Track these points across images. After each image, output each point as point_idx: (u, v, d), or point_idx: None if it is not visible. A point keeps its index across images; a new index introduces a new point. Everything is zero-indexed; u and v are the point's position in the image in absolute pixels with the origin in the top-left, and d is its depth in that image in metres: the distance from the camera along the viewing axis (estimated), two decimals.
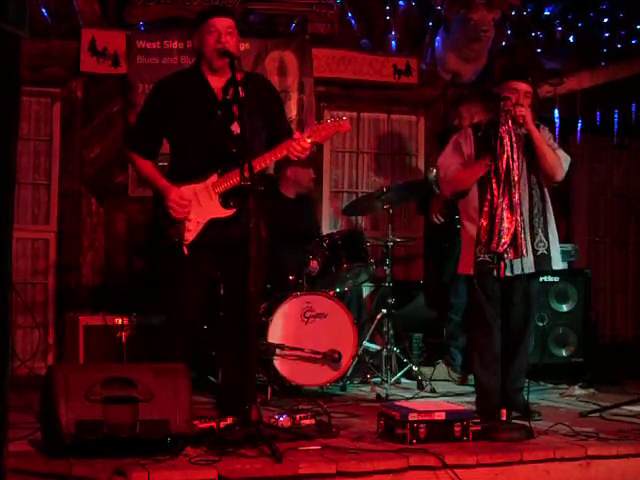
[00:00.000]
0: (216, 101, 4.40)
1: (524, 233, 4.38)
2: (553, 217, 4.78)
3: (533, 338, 5.09)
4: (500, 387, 4.34)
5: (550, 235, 4.72)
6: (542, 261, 4.69)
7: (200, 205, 4.35)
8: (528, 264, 4.58)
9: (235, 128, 4.33)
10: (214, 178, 4.35)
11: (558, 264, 4.80)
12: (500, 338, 4.55)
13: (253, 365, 4.06)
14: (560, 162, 4.73)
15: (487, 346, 4.67)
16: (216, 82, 4.42)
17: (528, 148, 4.64)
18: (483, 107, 4.81)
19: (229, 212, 4.37)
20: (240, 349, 4.44)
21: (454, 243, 6.37)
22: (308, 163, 6.01)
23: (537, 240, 4.68)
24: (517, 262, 4.48)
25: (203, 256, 4.37)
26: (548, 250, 4.69)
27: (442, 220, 6.50)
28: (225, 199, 4.36)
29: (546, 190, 4.76)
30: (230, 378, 4.52)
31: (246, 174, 4.03)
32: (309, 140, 4.37)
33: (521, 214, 4.32)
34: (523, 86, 4.66)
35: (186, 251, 4.32)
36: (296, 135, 4.41)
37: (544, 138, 4.71)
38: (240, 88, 4.28)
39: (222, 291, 4.56)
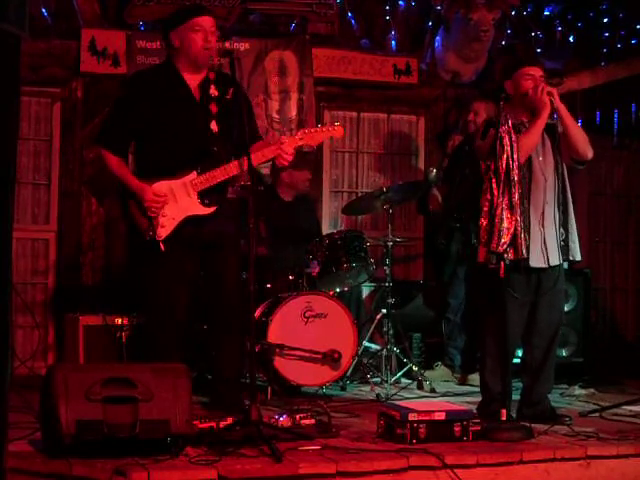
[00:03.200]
0: (193, 99, 4.44)
1: (523, 233, 4.36)
2: (572, 206, 4.74)
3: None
4: (502, 387, 4.33)
5: (570, 225, 4.69)
6: (563, 253, 4.65)
7: (176, 202, 4.36)
8: (555, 254, 4.59)
9: (213, 126, 4.37)
10: (193, 176, 4.37)
11: (578, 255, 4.71)
12: (513, 339, 4.56)
13: (252, 363, 4.07)
14: (588, 140, 4.69)
15: (499, 351, 4.43)
16: (192, 80, 4.46)
17: (552, 134, 4.62)
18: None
19: (208, 210, 4.41)
20: (228, 347, 4.48)
21: (451, 243, 6.39)
22: (303, 165, 6.02)
23: (559, 232, 4.64)
24: (539, 255, 4.50)
25: (181, 253, 4.39)
26: (566, 241, 4.66)
27: (441, 206, 6.52)
28: (203, 197, 4.38)
29: (567, 182, 4.72)
30: (218, 374, 4.52)
31: (245, 174, 4.07)
32: (300, 142, 4.41)
33: (520, 213, 4.30)
34: (538, 71, 4.64)
35: (162, 247, 4.33)
36: (282, 139, 4.45)
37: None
38: (213, 87, 4.33)
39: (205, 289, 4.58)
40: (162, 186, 4.36)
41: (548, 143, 4.63)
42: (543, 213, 4.56)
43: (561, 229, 4.62)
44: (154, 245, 4.35)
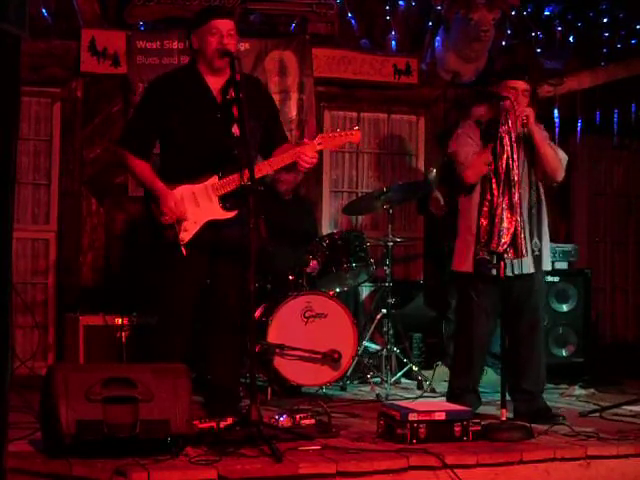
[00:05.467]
0: (215, 102, 4.41)
1: (524, 233, 4.38)
2: (546, 218, 4.79)
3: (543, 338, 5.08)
4: (501, 386, 4.33)
5: (543, 236, 4.73)
6: (537, 262, 4.70)
7: (198, 206, 4.34)
8: (527, 263, 4.60)
9: (235, 130, 4.33)
10: (214, 180, 4.35)
11: (548, 265, 4.84)
12: (485, 341, 4.76)
13: (252, 363, 4.07)
14: (561, 162, 4.73)
15: (465, 355, 4.81)
16: (215, 83, 4.42)
17: (528, 147, 4.64)
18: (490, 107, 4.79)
19: (229, 214, 4.37)
20: (229, 349, 4.46)
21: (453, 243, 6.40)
22: (292, 168, 5.98)
23: (533, 241, 4.67)
24: (517, 262, 4.50)
25: (198, 257, 4.37)
26: (540, 251, 4.70)
27: (443, 209, 6.53)
28: (224, 201, 4.36)
29: (542, 191, 4.76)
30: (221, 378, 4.50)
31: (246, 174, 4.04)
32: (319, 147, 4.42)
33: (520, 214, 4.33)
34: (521, 84, 4.66)
35: (184, 251, 4.32)
36: (305, 142, 4.43)
37: (545, 137, 4.71)
38: (235, 89, 4.30)
39: (211, 292, 4.55)
40: (184, 190, 4.32)
41: (522, 154, 4.62)
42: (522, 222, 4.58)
43: (535, 240, 4.65)
44: (174, 248, 4.32)
